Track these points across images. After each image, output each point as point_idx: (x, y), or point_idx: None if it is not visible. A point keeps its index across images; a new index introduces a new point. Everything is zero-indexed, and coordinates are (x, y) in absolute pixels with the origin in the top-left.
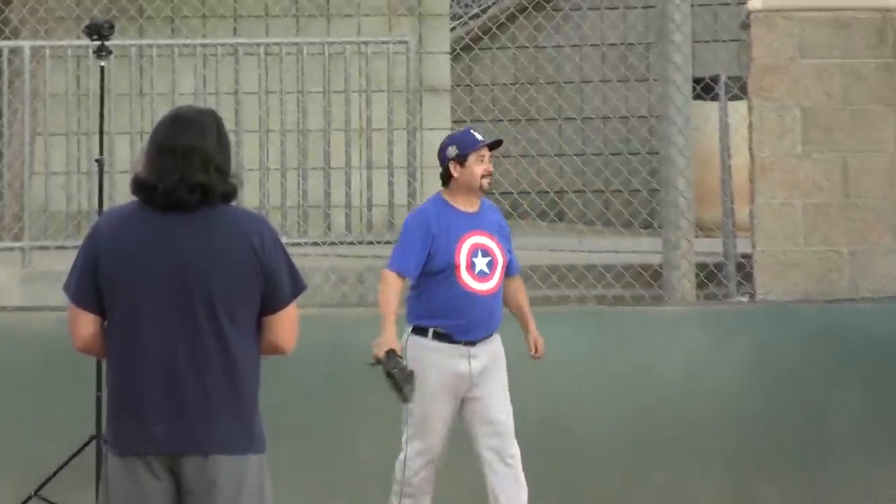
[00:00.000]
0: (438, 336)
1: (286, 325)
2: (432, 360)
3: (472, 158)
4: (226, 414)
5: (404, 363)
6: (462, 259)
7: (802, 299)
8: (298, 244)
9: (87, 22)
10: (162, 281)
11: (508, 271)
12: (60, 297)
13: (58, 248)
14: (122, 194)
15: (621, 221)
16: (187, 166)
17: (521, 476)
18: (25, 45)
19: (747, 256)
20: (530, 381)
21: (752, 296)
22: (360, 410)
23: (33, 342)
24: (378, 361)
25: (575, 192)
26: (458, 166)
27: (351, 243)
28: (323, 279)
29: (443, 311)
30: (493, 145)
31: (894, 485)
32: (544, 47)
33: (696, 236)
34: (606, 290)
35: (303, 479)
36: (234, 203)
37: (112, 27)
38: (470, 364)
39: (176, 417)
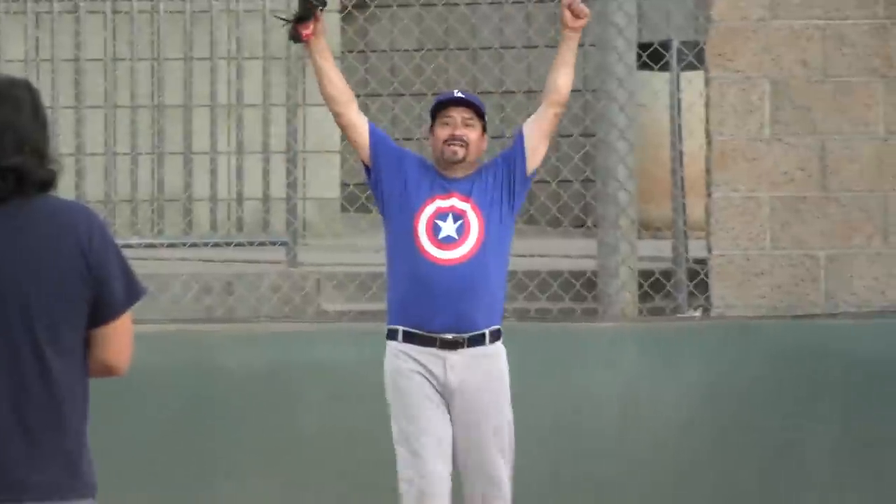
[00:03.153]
0: (408, 337)
1: (119, 339)
2: (404, 368)
3: (437, 122)
4: (49, 456)
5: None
6: (422, 223)
7: (768, 314)
8: (152, 245)
9: None
10: None
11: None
12: None
13: None
14: None
15: (548, 219)
16: None
17: None
18: None
19: (701, 262)
20: None
21: (706, 310)
22: (228, 445)
23: None
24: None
25: None
26: (430, 133)
27: (217, 245)
28: (183, 289)
29: (403, 294)
30: (462, 102)
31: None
32: (456, 4)
33: (640, 238)
34: (528, 302)
35: None
36: (52, 193)
37: None
38: (446, 373)
39: None
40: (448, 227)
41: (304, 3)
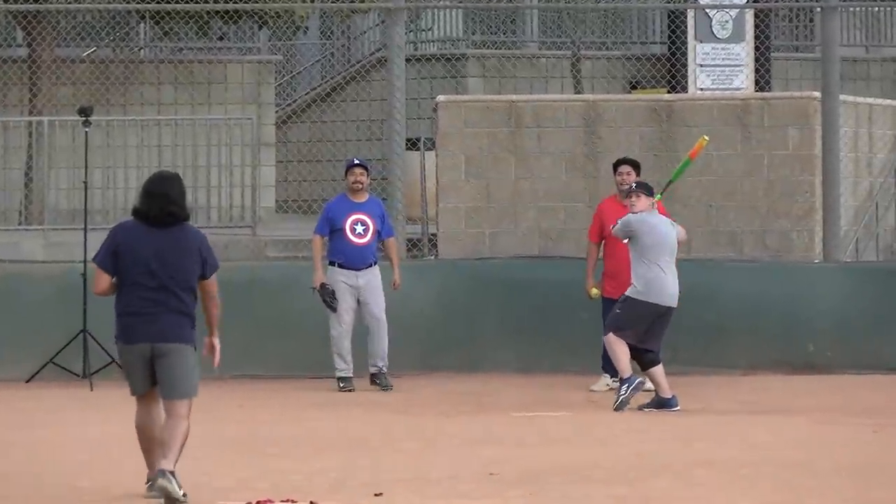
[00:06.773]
0: (340, 266)
1: (210, 286)
2: (338, 279)
3: (348, 173)
4: (179, 327)
5: (330, 289)
6: (347, 225)
7: (462, 258)
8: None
9: (78, 106)
10: (146, 261)
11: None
12: (65, 256)
13: (62, 229)
14: (98, 203)
15: None
16: (163, 203)
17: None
18: (45, 119)
19: (434, 235)
20: None
21: (436, 256)
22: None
23: (53, 280)
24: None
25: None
26: (345, 177)
27: (217, 227)
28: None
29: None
30: (360, 165)
31: (516, 357)
32: (332, 120)
33: (407, 223)
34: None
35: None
36: (188, 223)
37: (92, 110)
38: (357, 280)
39: (150, 327)
40: (359, 227)
41: (324, 301)
